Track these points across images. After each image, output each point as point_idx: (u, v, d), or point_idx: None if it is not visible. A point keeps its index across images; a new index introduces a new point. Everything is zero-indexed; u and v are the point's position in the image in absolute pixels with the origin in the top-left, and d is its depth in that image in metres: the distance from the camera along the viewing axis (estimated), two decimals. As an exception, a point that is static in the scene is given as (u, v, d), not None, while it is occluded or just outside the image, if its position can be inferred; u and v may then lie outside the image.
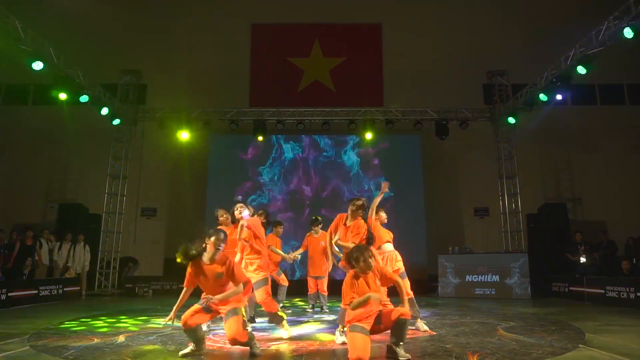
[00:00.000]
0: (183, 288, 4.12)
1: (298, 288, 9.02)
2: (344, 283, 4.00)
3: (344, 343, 4.43)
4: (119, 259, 12.00)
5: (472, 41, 13.64)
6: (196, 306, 3.93)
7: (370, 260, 3.95)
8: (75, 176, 13.64)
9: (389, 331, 3.87)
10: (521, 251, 10.91)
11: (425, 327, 5.30)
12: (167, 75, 13.50)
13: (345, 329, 4.60)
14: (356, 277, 3.97)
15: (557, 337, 4.79)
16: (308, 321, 6.34)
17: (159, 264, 13.04)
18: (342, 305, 4.45)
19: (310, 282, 7.77)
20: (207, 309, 3.91)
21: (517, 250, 11.26)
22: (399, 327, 3.76)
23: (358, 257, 3.95)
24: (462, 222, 13.37)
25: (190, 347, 4.00)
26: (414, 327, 5.23)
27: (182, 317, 3.85)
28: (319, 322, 6.18)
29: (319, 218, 7.86)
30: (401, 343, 3.80)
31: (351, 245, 4.57)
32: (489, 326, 5.64)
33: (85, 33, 13.45)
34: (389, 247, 5.47)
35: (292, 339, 4.83)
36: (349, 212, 5.03)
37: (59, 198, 13.25)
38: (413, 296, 5.35)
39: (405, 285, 5.27)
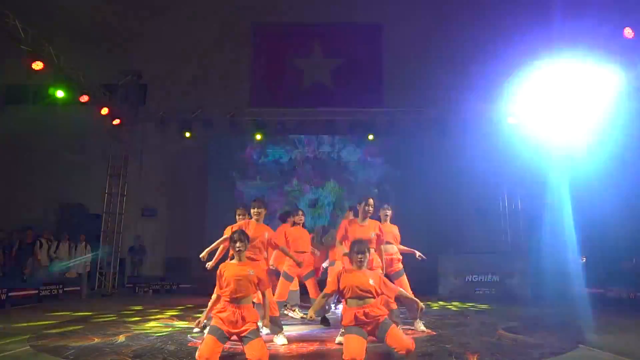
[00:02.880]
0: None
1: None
2: (335, 274, 3.93)
3: (340, 343, 4.43)
4: (137, 247, 12.06)
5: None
6: (212, 338, 3.60)
7: (361, 258, 3.84)
8: (75, 176, 13.60)
9: None
10: (521, 251, 10.90)
11: (423, 328, 5.26)
12: (167, 75, 13.50)
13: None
14: (349, 271, 3.90)
15: (557, 337, 4.79)
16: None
17: (159, 264, 13.03)
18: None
19: None
20: (223, 338, 3.65)
21: (517, 250, 11.24)
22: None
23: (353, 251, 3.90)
24: (462, 222, 13.35)
25: None
26: (412, 328, 5.22)
27: (204, 354, 3.49)
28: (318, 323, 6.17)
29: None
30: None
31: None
32: (489, 326, 5.64)
33: (85, 33, 13.43)
34: (393, 248, 5.45)
35: (291, 338, 4.82)
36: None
37: (59, 198, 13.24)
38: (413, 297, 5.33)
39: (404, 284, 5.27)
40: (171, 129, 12.17)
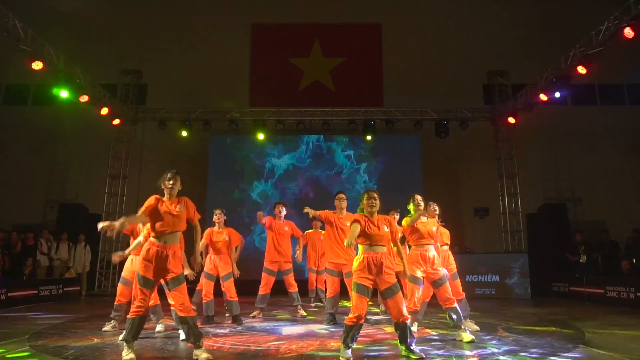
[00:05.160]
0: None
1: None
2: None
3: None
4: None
5: (472, 41, 13.63)
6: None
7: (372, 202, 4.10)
8: (75, 176, 13.62)
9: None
10: (521, 251, 10.91)
11: (470, 337, 4.58)
12: (167, 75, 13.50)
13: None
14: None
15: (557, 337, 4.79)
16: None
17: (159, 264, 12.99)
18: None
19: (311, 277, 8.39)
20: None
21: (517, 250, 11.26)
22: (400, 331, 3.83)
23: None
24: (462, 222, 13.36)
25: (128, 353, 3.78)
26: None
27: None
28: (318, 322, 6.17)
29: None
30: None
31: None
32: (489, 326, 5.64)
33: (85, 33, 13.44)
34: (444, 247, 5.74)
35: (292, 338, 4.82)
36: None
37: (59, 198, 13.23)
38: (464, 297, 5.47)
39: (458, 285, 5.42)
40: (171, 129, 12.19)
